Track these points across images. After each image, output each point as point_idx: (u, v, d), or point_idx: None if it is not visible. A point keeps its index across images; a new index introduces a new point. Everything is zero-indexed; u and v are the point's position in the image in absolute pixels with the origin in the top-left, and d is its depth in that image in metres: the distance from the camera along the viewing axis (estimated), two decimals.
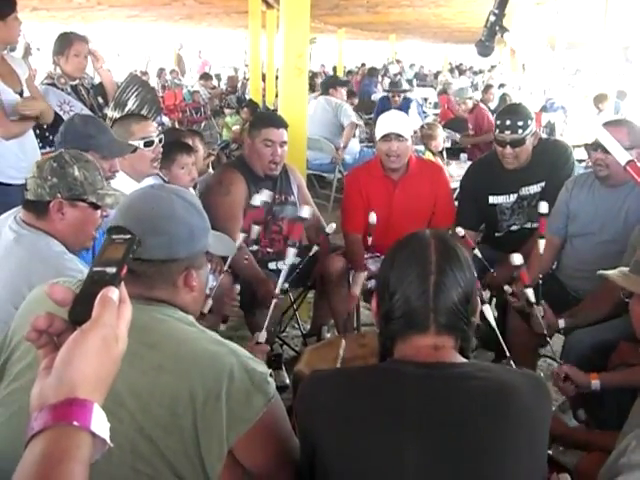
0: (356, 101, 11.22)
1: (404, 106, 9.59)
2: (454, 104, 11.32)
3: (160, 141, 3.52)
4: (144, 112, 4.17)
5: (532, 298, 2.96)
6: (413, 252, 1.61)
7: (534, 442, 1.50)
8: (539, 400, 1.53)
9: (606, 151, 3.19)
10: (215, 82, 19.41)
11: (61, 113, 4.26)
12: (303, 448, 1.61)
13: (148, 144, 3.43)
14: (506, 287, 3.31)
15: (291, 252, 2.97)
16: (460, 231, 3.18)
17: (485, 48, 2.33)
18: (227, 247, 2.02)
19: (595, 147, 3.29)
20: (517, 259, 2.94)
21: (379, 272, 1.71)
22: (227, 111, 11.53)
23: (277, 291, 3.08)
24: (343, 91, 8.54)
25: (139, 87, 4.27)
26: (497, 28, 2.26)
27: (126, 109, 4.15)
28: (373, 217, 3.46)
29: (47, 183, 2.33)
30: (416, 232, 1.69)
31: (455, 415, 1.47)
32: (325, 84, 8.59)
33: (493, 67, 20.09)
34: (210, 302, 2.88)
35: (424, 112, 11.27)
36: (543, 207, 3.07)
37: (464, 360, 1.59)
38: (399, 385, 1.51)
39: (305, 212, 3.12)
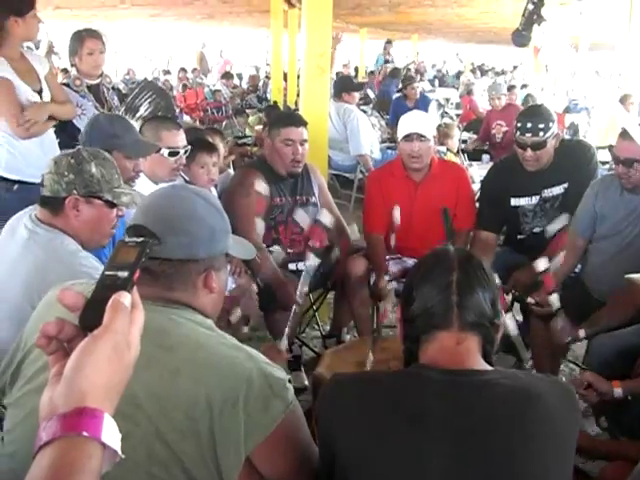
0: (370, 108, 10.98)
1: (421, 103, 9.45)
2: (476, 105, 11.27)
3: (185, 152, 3.51)
4: None
5: (557, 304, 2.93)
6: (436, 259, 1.67)
7: (560, 451, 1.47)
8: (566, 408, 1.51)
9: (627, 165, 3.17)
10: (237, 81, 19.49)
11: None
12: (323, 453, 1.60)
13: (173, 154, 3.42)
14: (529, 299, 3.29)
15: (311, 257, 2.96)
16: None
17: (522, 37, 2.32)
18: (247, 251, 2.00)
19: (617, 161, 3.26)
20: (542, 264, 2.91)
21: (404, 283, 1.75)
22: (249, 111, 11.56)
23: (298, 297, 3.07)
24: (357, 95, 8.00)
25: (153, 93, 4.22)
26: (535, 17, 2.23)
27: (137, 114, 4.13)
28: (397, 214, 3.44)
29: (64, 179, 2.32)
30: (439, 247, 1.75)
31: (480, 423, 1.45)
32: (338, 88, 7.77)
33: (515, 67, 20.01)
34: (239, 312, 2.88)
35: (446, 112, 11.19)
36: (561, 220, 3.06)
37: (488, 367, 1.58)
38: (423, 391, 1.50)
39: (324, 217, 3.10)
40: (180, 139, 3.50)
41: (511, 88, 10.85)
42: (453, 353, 1.55)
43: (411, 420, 1.46)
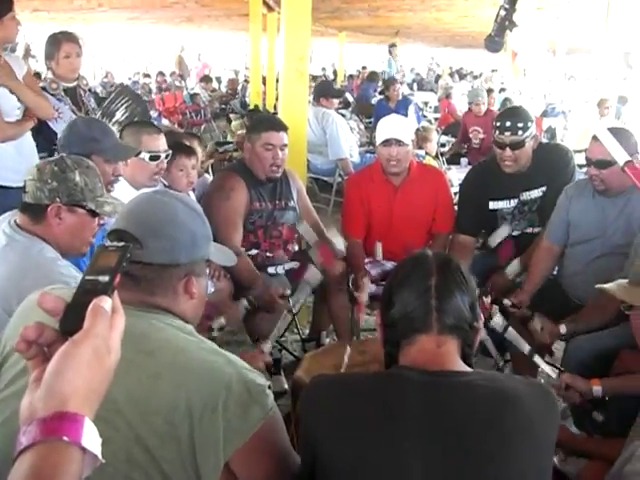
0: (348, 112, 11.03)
1: (402, 105, 9.51)
2: (454, 108, 11.32)
3: (167, 157, 3.51)
4: None
5: (501, 323, 2.98)
6: (415, 263, 1.68)
7: (539, 452, 1.49)
8: (545, 410, 1.52)
9: (599, 166, 3.20)
10: (216, 85, 19.45)
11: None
12: (304, 456, 1.60)
13: (154, 158, 3.41)
14: (505, 301, 3.32)
15: (314, 270, 3.17)
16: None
17: (494, 43, 2.33)
18: (228, 258, 2.02)
19: (589, 163, 3.28)
20: (512, 270, 2.96)
21: (384, 288, 1.75)
22: (232, 116, 11.53)
23: (292, 305, 3.24)
24: (335, 101, 7.89)
25: (129, 99, 4.21)
26: (507, 23, 2.25)
27: (114, 119, 4.11)
28: (379, 250, 3.71)
29: (47, 186, 2.31)
30: (418, 251, 1.77)
31: (459, 423, 1.46)
32: (317, 93, 7.72)
33: (494, 71, 20.12)
34: (222, 320, 2.91)
35: (424, 116, 11.24)
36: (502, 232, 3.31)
37: (468, 369, 1.59)
38: (403, 391, 1.51)
39: (301, 228, 3.28)
40: (161, 143, 3.49)
41: (489, 92, 10.92)
42: (433, 355, 1.56)
43: (391, 420, 1.47)
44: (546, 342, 3.20)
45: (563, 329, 3.14)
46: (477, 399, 1.49)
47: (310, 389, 1.64)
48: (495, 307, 3.08)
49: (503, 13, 2.25)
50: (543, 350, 3.33)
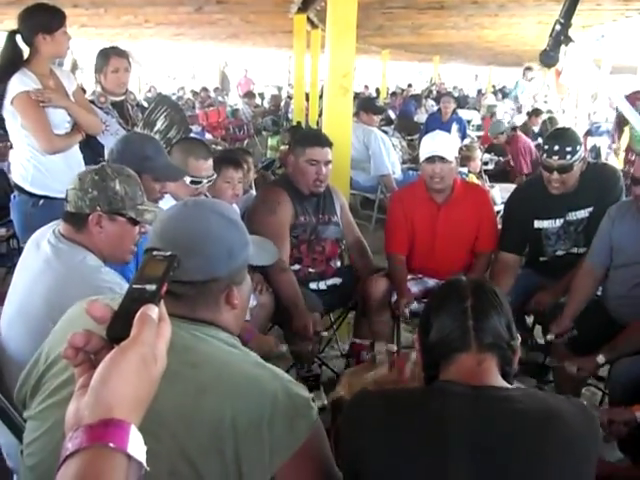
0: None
1: (453, 122, 9.63)
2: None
3: (209, 182, 3.54)
4: (172, 132, 4.15)
5: None
6: (450, 288, 1.76)
7: (579, 472, 1.47)
8: (586, 429, 1.52)
9: None
10: (258, 101, 19.58)
11: None
12: (346, 471, 1.59)
13: (195, 182, 3.44)
14: (549, 336, 3.31)
15: None
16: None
17: (549, 58, 2.31)
18: (269, 254, 1.95)
19: (635, 181, 3.20)
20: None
21: (421, 315, 1.81)
22: (265, 133, 11.58)
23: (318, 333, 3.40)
24: (376, 118, 7.90)
25: (168, 108, 4.25)
26: (562, 38, 2.23)
27: (155, 129, 4.15)
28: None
29: (87, 196, 2.33)
30: (452, 277, 1.83)
31: (499, 438, 1.46)
32: (358, 106, 7.76)
33: (528, 69, 19.93)
34: (284, 348, 3.22)
35: (468, 135, 11.21)
36: None
37: (509, 385, 1.61)
38: (447, 405, 1.51)
39: None
40: (205, 171, 3.50)
41: (537, 112, 10.84)
42: (474, 372, 1.58)
43: (434, 434, 1.48)
44: (585, 376, 3.16)
45: (601, 359, 3.07)
46: (518, 414, 1.49)
47: (356, 403, 1.65)
48: (538, 327, 3.05)
49: (558, 27, 2.23)
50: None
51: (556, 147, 3.54)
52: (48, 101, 3.69)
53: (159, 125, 4.15)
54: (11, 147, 4.24)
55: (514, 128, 9.32)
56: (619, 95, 2.58)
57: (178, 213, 1.65)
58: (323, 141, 3.87)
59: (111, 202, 2.35)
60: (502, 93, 21.99)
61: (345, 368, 3.93)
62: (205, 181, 3.49)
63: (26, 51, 3.76)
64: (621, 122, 7.62)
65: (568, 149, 3.53)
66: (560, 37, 2.24)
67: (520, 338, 1.71)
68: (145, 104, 5.01)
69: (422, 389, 1.69)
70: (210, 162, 3.55)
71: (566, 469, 1.44)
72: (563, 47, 2.24)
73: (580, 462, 1.47)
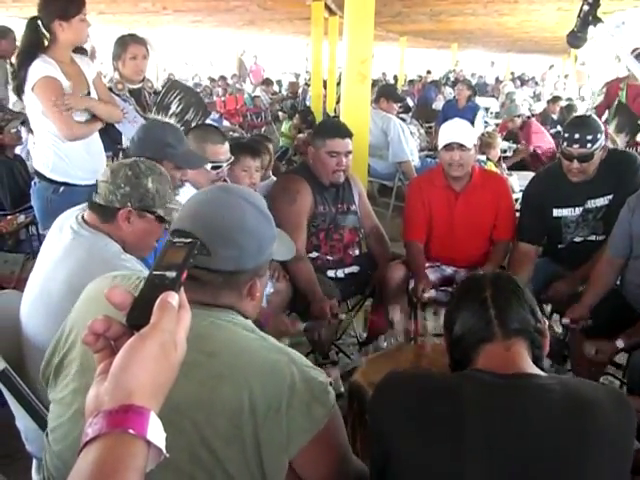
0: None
1: (469, 110, 9.55)
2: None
3: (228, 165, 3.54)
4: (190, 115, 4.14)
5: None
6: (468, 283, 1.81)
7: (616, 458, 1.46)
8: (622, 416, 1.50)
9: None
10: (276, 88, 19.56)
11: None
12: (376, 453, 1.59)
13: (215, 167, 3.45)
14: (564, 320, 3.28)
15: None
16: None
17: (577, 39, 2.29)
18: (287, 249, 1.96)
19: None
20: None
21: (445, 314, 1.82)
22: (281, 115, 11.56)
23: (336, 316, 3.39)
24: (395, 106, 7.82)
25: (181, 91, 4.23)
26: (590, 18, 2.21)
27: (170, 112, 4.13)
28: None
29: (119, 191, 2.34)
30: (470, 274, 1.87)
31: (534, 426, 1.45)
32: (379, 92, 7.78)
33: (551, 67, 19.74)
34: (300, 325, 3.26)
35: (486, 122, 11.15)
36: None
37: (542, 372, 1.59)
38: (478, 391, 1.51)
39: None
40: (223, 152, 3.51)
41: (556, 99, 10.75)
42: (503, 359, 1.58)
43: (467, 419, 1.47)
44: (605, 361, 3.13)
45: (620, 344, 3.04)
46: (553, 402, 1.48)
47: (383, 387, 1.64)
48: (556, 316, 3.03)
49: (586, 8, 2.21)
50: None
51: (577, 135, 3.49)
52: (69, 109, 3.69)
53: (173, 108, 4.14)
54: (30, 133, 4.26)
55: (530, 116, 9.24)
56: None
57: (213, 197, 1.63)
58: (343, 132, 3.85)
59: (142, 199, 2.37)
60: (520, 80, 21.83)
61: (361, 355, 3.94)
62: (225, 165, 3.50)
63: (47, 38, 3.77)
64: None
65: (589, 137, 3.47)
66: (588, 17, 2.22)
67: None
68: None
69: (454, 375, 1.68)
70: (227, 145, 3.56)
71: (604, 456, 1.43)
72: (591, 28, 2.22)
73: (617, 448, 1.46)
